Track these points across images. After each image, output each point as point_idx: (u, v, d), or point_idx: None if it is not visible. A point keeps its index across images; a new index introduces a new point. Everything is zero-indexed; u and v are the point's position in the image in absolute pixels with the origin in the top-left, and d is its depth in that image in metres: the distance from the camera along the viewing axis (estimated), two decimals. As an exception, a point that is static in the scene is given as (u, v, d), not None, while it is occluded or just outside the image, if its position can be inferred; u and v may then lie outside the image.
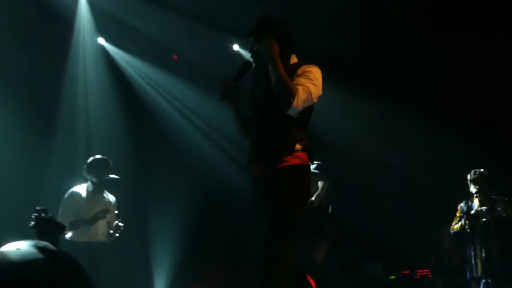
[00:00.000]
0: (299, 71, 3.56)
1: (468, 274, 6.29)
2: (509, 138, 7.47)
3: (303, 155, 3.55)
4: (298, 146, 3.55)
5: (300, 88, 3.44)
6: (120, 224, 6.22)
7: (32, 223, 2.08)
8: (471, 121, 7.55)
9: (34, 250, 1.92)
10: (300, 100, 3.42)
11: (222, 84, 3.73)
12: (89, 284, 1.98)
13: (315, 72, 3.59)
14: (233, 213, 8.52)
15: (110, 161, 6.42)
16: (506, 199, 6.29)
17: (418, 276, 7.74)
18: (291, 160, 3.50)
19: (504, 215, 6.16)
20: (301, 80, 3.50)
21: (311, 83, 3.51)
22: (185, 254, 8.35)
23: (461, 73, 7.70)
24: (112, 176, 6.37)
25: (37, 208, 2.07)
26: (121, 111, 8.50)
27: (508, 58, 7.31)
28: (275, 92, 3.47)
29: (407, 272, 7.84)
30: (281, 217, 3.40)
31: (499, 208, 6.18)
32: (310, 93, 3.47)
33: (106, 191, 6.47)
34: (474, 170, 6.46)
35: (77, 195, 6.24)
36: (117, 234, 6.21)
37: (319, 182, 6.37)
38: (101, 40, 8.62)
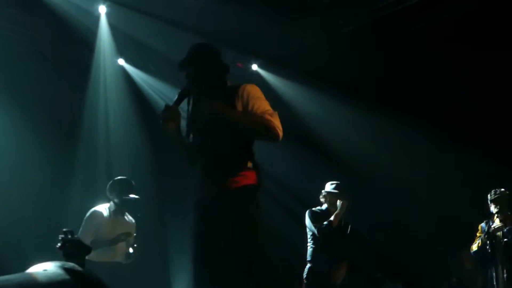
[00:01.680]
0: (243, 94, 3.57)
1: (489, 294, 6.24)
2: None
3: (252, 174, 3.56)
4: (249, 164, 3.58)
5: (270, 117, 3.48)
6: (135, 245, 6.26)
7: (59, 244, 2.11)
8: (493, 140, 7.51)
9: (61, 271, 1.95)
10: (279, 127, 3.49)
11: (163, 108, 3.68)
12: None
13: (258, 90, 3.65)
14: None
15: (132, 182, 6.47)
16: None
17: (438, 297, 7.70)
18: (242, 181, 3.51)
19: None
20: (259, 105, 3.53)
21: (266, 103, 3.58)
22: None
23: (482, 91, 7.68)
24: (132, 196, 6.41)
25: (64, 229, 2.10)
26: (141, 131, 8.57)
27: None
28: (251, 134, 3.57)
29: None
30: (243, 237, 3.41)
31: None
32: (276, 113, 3.54)
33: (126, 213, 6.52)
34: (494, 190, 6.41)
35: (99, 214, 6.28)
36: (134, 255, 6.25)
37: (338, 201, 6.36)
38: (121, 61, 8.72)
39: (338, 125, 8.38)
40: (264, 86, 8.52)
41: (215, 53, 3.80)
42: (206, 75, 3.67)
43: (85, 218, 6.21)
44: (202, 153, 3.68)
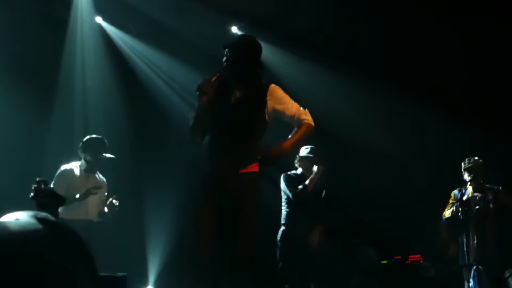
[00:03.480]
0: (273, 95, 4.08)
1: (459, 260, 6.35)
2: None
3: (257, 164, 4.01)
4: (258, 156, 4.04)
5: (306, 117, 4.17)
6: (115, 201, 6.22)
7: (32, 194, 2.08)
8: (473, 110, 7.57)
9: (33, 220, 1.92)
10: (312, 120, 4.20)
11: (203, 80, 4.00)
12: (90, 257, 1.99)
13: (282, 91, 4.17)
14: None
15: (106, 140, 6.43)
16: (500, 187, 6.33)
17: (409, 261, 7.81)
18: (255, 168, 3.99)
19: (504, 204, 6.20)
20: (291, 107, 4.13)
21: (294, 102, 4.17)
22: (180, 236, 8.36)
23: (466, 64, 7.71)
24: (107, 155, 6.38)
25: (37, 179, 2.07)
26: (118, 91, 8.46)
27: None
28: None
29: (399, 257, 7.90)
30: (251, 216, 3.91)
31: (494, 197, 6.21)
32: (306, 110, 4.21)
33: (98, 172, 6.48)
34: (468, 158, 6.49)
35: (70, 172, 6.25)
36: (110, 214, 6.23)
37: (314, 166, 6.39)
38: (99, 19, 8.57)
39: (319, 91, 8.36)
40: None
41: (259, 53, 4.15)
42: (246, 71, 4.04)
43: (55, 175, 6.16)
44: (224, 136, 4.00)
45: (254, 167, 3.99)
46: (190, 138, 4.14)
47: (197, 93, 4.01)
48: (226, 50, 4.09)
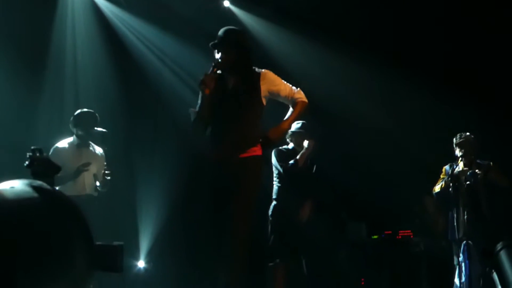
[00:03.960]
0: (266, 80, 4.36)
1: (449, 235, 6.40)
2: (501, 105, 7.52)
3: (259, 147, 4.32)
4: (259, 139, 4.34)
5: (299, 95, 4.49)
6: (107, 172, 6.21)
7: (27, 162, 2.07)
8: (464, 85, 7.58)
9: (29, 189, 1.92)
10: (305, 97, 4.52)
11: (204, 75, 4.25)
12: (86, 226, 1.99)
13: (275, 75, 4.46)
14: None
15: (97, 114, 6.40)
16: (491, 163, 6.36)
17: (400, 237, 7.88)
18: (257, 151, 4.30)
19: (494, 181, 6.24)
20: (284, 88, 4.44)
21: (286, 84, 4.48)
22: (171, 211, 8.39)
23: (458, 39, 7.70)
24: (99, 129, 6.35)
25: (32, 147, 2.06)
26: (109, 65, 8.40)
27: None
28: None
29: (389, 232, 7.97)
30: (250, 198, 4.22)
31: (485, 173, 6.24)
32: (299, 89, 4.53)
33: (92, 144, 6.45)
34: (460, 134, 6.51)
35: (61, 150, 6.22)
36: (102, 187, 6.22)
37: (305, 141, 6.41)
38: (90, -8, 8.49)
39: (310, 66, 8.34)
40: (236, 24, 8.40)
41: (247, 42, 4.53)
42: (239, 63, 4.33)
43: (48, 154, 6.13)
44: (224, 123, 4.27)
45: (256, 151, 4.29)
46: (194, 131, 4.55)
47: (200, 87, 4.25)
48: (217, 48, 4.38)
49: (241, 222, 4.14)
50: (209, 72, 4.25)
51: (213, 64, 4.32)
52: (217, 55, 4.37)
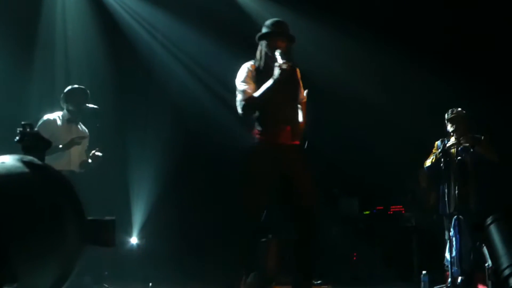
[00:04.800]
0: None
1: (440, 210, 6.43)
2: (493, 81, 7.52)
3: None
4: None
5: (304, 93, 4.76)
6: (98, 153, 6.20)
7: (17, 137, 2.06)
8: (457, 62, 7.58)
9: (19, 164, 1.92)
10: None
11: (289, 68, 4.35)
12: (77, 200, 2.00)
13: None
14: (214, 151, 8.54)
15: (88, 91, 6.36)
16: (482, 137, 6.37)
17: (391, 212, 7.93)
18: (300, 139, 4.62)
19: (482, 154, 6.26)
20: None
21: None
22: (164, 187, 8.40)
23: (449, 16, 7.68)
24: (90, 105, 6.32)
25: (23, 122, 2.05)
26: (100, 41, 8.35)
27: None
28: None
29: (381, 207, 8.02)
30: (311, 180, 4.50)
31: (475, 148, 6.26)
32: None
33: (80, 123, 6.43)
34: (451, 109, 6.51)
35: (51, 122, 6.18)
36: (93, 165, 6.21)
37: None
38: (80, -33, 8.38)
39: (302, 41, 8.29)
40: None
41: None
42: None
43: (37, 125, 6.07)
44: (287, 112, 4.52)
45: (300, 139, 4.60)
46: (245, 111, 4.47)
47: (283, 74, 4.32)
48: (282, 38, 4.57)
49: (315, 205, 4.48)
50: (284, 61, 4.33)
51: (282, 54, 4.42)
52: (282, 45, 4.52)
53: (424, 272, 6.07)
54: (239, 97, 4.48)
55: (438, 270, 6.50)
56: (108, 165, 6.57)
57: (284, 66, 4.30)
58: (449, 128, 6.44)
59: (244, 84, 4.49)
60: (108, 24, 8.55)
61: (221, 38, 8.36)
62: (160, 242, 8.09)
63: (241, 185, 4.51)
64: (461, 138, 6.29)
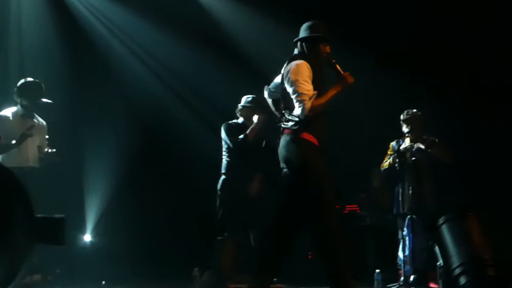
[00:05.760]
0: None
1: (394, 210, 6.51)
2: (448, 83, 7.63)
3: None
4: None
5: None
6: (51, 150, 6.08)
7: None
8: (412, 62, 7.67)
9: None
10: None
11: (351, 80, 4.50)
12: (27, 199, 1.95)
13: None
14: (170, 145, 8.49)
15: (43, 84, 6.24)
16: (436, 140, 6.48)
17: (347, 211, 7.99)
18: None
19: (438, 157, 6.36)
20: None
21: None
22: (119, 184, 8.31)
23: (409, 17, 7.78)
24: (45, 100, 6.21)
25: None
26: (56, 34, 8.21)
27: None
28: None
29: (338, 206, 8.06)
30: None
31: (429, 149, 6.35)
32: None
33: (36, 115, 6.31)
34: (407, 110, 6.59)
35: (5, 118, 6.08)
36: (47, 161, 6.11)
37: (254, 115, 6.41)
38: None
39: (260, 38, 8.31)
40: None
41: None
42: None
43: None
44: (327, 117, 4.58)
45: None
46: (309, 116, 4.34)
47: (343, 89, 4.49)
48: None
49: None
50: (348, 73, 4.46)
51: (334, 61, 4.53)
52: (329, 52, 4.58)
53: (377, 270, 6.12)
54: (302, 97, 4.34)
55: (391, 269, 6.58)
56: (62, 161, 6.45)
57: (351, 79, 4.45)
58: (404, 129, 6.52)
59: (307, 84, 4.38)
60: (64, 17, 8.42)
61: (178, 33, 8.32)
62: (114, 240, 8.01)
63: (320, 181, 4.44)
64: (415, 144, 6.38)
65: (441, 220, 5.41)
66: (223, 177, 6.48)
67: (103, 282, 6.63)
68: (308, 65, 4.42)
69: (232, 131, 6.48)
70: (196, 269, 6.16)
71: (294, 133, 4.40)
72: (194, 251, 7.43)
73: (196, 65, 8.49)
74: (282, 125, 4.51)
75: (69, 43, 8.32)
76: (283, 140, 4.48)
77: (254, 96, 6.50)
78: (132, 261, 7.73)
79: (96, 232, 8.09)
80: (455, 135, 6.89)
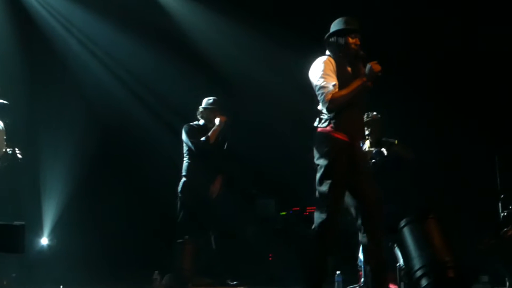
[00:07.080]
0: None
1: (355, 211, 6.54)
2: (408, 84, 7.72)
3: None
4: None
5: None
6: (9, 151, 5.97)
7: None
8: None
9: None
10: None
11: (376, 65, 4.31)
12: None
13: None
14: (129, 147, 8.41)
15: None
16: (396, 141, 6.52)
17: (307, 213, 8.01)
18: None
19: (399, 154, 6.40)
20: None
21: None
22: (76, 186, 8.19)
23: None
24: (0, 100, 6.10)
25: None
26: (11, 33, 8.07)
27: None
28: None
29: (297, 208, 8.09)
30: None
31: (389, 150, 6.40)
32: None
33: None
34: (366, 113, 6.59)
35: (-42, 122, 5.93)
36: (3, 162, 5.99)
37: (216, 117, 6.39)
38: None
39: (221, 40, 8.29)
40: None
41: None
42: None
43: None
44: (360, 112, 4.66)
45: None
46: (331, 107, 4.29)
47: (370, 79, 4.31)
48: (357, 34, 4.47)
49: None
50: (375, 62, 4.29)
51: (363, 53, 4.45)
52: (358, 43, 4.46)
53: (338, 272, 6.15)
54: (322, 90, 4.29)
55: (351, 270, 6.62)
56: (18, 164, 6.32)
57: (378, 68, 4.28)
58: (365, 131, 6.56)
59: (328, 77, 4.31)
60: (20, 16, 8.28)
61: (137, 34, 8.26)
62: (72, 243, 7.90)
63: (325, 179, 4.47)
64: (373, 149, 6.43)
65: (402, 223, 5.45)
66: (183, 179, 6.47)
67: (61, 287, 6.51)
68: (331, 60, 4.39)
69: (193, 132, 6.46)
70: (156, 272, 6.13)
71: (322, 131, 4.41)
72: (154, 254, 7.37)
73: (155, 66, 8.44)
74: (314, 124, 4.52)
75: (25, 42, 8.16)
76: (314, 138, 4.50)
77: (215, 98, 6.49)
78: (91, 264, 7.62)
79: (53, 236, 7.96)
80: (415, 137, 6.97)
